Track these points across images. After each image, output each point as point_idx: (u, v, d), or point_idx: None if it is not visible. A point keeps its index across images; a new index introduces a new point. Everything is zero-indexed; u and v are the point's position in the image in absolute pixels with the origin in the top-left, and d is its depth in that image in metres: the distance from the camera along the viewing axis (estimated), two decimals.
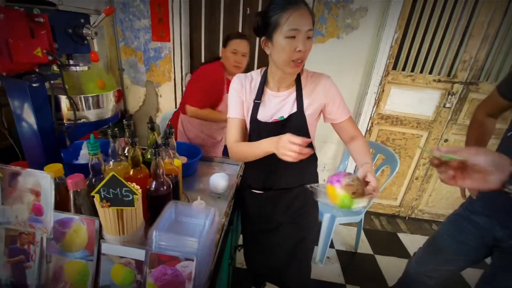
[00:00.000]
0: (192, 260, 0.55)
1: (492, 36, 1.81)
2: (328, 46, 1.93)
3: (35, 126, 0.79)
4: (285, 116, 0.92)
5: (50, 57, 0.73)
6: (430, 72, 1.96)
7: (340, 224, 2.13)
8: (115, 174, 0.49)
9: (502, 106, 0.99)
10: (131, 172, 0.78)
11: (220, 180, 1.01)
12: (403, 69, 1.98)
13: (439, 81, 1.94)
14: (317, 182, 1.12)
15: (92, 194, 0.50)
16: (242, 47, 1.48)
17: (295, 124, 0.91)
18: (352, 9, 1.84)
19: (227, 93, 1.39)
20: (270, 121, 0.93)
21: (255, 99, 0.93)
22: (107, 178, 0.49)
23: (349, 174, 0.71)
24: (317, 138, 1.01)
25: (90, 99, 0.91)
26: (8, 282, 0.60)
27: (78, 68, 0.90)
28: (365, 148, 0.89)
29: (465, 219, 1.04)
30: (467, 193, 1.09)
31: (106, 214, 0.54)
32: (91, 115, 0.92)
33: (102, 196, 0.51)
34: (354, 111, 2.12)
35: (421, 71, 1.96)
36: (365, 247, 2.03)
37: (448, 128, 2.06)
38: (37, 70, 0.75)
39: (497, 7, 1.74)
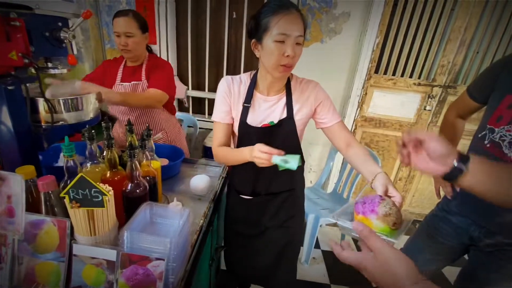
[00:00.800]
0: (163, 260, 0.56)
1: (468, 40, 1.89)
2: (312, 50, 1.98)
3: (11, 128, 0.79)
4: (275, 121, 0.93)
5: (26, 60, 0.73)
6: (411, 76, 2.03)
7: (326, 224, 2.17)
8: (84, 175, 0.51)
9: (471, 107, 1.03)
10: (108, 174, 0.79)
11: (200, 181, 1.02)
12: (385, 73, 2.04)
13: (419, 84, 2.01)
14: (304, 185, 1.13)
15: (61, 195, 0.51)
16: (123, 27, 1.25)
17: (285, 129, 0.92)
18: (335, 14, 1.89)
19: (118, 81, 1.37)
20: (260, 125, 0.93)
21: (244, 103, 0.93)
22: (75, 179, 0.50)
23: (381, 198, 0.59)
24: (304, 139, 1.04)
25: (69, 101, 0.91)
26: None
27: (56, 71, 0.90)
28: (368, 155, 0.85)
29: (441, 219, 1.07)
30: (442, 193, 1.13)
31: (77, 215, 0.55)
32: (70, 117, 0.92)
33: (72, 197, 0.52)
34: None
35: (402, 75, 2.03)
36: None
37: (429, 130, 2.13)
38: (13, 73, 0.75)
39: (473, 12, 1.82)
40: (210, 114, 2.45)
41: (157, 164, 0.92)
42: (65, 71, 0.91)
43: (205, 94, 2.34)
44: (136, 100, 1.28)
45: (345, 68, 2.02)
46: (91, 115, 1.00)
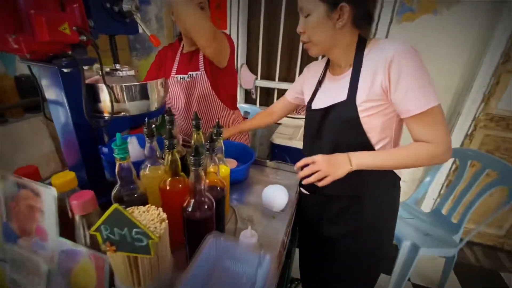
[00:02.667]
0: None
1: None
2: (419, 25, 1.51)
3: (69, 119, 0.68)
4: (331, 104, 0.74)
5: (82, 37, 0.59)
6: None
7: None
8: (119, 208, 0.31)
9: None
10: (168, 183, 0.61)
11: (276, 195, 0.78)
12: None
13: None
14: (384, 198, 0.81)
15: (91, 232, 0.33)
16: None
17: (338, 116, 0.72)
18: None
19: (173, 73, 1.14)
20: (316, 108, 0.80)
21: (317, 84, 0.83)
22: (108, 212, 0.31)
23: None
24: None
25: (133, 88, 0.78)
26: None
27: (123, 73, 0.79)
28: (418, 150, 0.66)
29: None
30: None
31: (114, 259, 0.36)
32: (132, 107, 0.79)
33: (105, 236, 0.33)
34: (449, 110, 1.64)
35: None
36: (452, 285, 1.57)
37: None
38: (70, 52, 0.63)
39: None
40: None
41: (227, 170, 0.72)
42: (133, 73, 0.81)
43: (274, 84, 2.09)
44: (198, 18, 0.89)
45: (466, 48, 1.49)
46: (156, 105, 0.86)
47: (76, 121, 0.68)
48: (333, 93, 0.75)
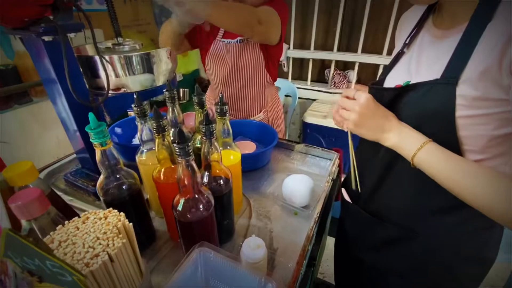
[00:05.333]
0: None
1: None
2: None
3: (63, 98, 0.61)
4: (414, 81, 0.47)
5: None
6: None
7: None
8: (11, 233, 0.20)
9: None
10: (162, 173, 0.51)
11: (297, 187, 0.64)
12: None
13: None
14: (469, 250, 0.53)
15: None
16: None
17: (418, 104, 0.45)
18: None
19: (219, 36, 0.99)
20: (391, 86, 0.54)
21: (402, 46, 0.54)
22: (2, 237, 0.21)
23: None
24: None
25: (133, 59, 0.67)
26: None
27: (126, 47, 0.69)
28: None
29: None
30: None
31: None
32: (134, 82, 0.69)
33: (20, 264, 0.23)
34: None
35: None
36: None
37: None
38: (51, 17, 0.54)
39: None
40: (314, 80, 1.98)
41: (237, 157, 0.59)
42: (136, 47, 0.71)
43: (309, 54, 1.85)
44: (230, 12, 0.74)
45: None
46: (163, 79, 0.75)
47: (70, 100, 0.61)
48: (423, 62, 0.48)
